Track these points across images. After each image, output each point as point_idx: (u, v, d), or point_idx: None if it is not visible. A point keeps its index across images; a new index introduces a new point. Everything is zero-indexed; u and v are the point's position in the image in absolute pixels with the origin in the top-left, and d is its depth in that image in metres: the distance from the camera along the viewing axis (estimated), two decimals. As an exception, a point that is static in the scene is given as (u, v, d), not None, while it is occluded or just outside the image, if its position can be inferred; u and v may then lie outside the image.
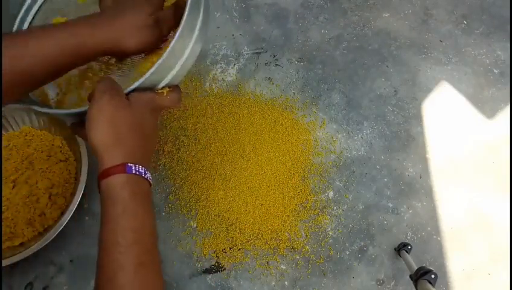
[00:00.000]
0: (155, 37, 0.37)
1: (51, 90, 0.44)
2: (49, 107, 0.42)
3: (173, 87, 0.39)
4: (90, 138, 0.33)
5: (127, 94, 0.36)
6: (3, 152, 0.59)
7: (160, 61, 0.35)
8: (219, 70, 0.72)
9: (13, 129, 0.62)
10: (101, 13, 0.37)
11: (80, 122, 0.38)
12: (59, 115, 0.39)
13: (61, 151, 0.61)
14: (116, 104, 0.34)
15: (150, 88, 0.37)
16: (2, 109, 0.60)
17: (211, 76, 0.71)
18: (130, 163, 0.33)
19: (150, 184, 0.35)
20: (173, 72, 0.38)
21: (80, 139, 0.59)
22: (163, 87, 0.39)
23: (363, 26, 0.77)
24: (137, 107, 0.35)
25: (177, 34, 0.35)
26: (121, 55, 0.41)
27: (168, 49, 0.35)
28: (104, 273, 0.31)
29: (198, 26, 0.38)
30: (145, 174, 0.34)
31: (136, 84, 0.36)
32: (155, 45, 0.39)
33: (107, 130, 0.33)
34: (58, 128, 0.62)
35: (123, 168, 0.32)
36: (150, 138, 0.37)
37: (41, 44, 0.33)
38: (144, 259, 0.31)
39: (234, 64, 0.73)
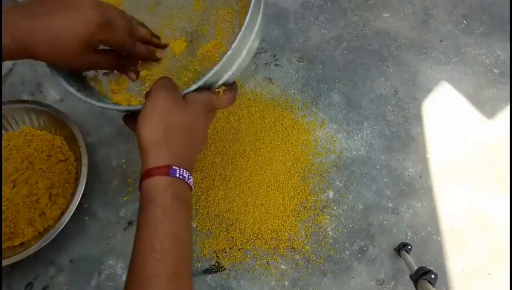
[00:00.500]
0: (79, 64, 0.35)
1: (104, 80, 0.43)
2: (105, 99, 0.41)
3: (229, 85, 0.38)
4: (139, 133, 0.32)
5: (184, 95, 0.35)
6: (3, 152, 0.59)
7: (220, 63, 0.34)
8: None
9: (13, 129, 0.62)
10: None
11: (132, 115, 0.37)
12: (115, 110, 0.38)
13: (61, 151, 0.61)
14: (172, 102, 0.33)
15: (207, 88, 0.36)
16: (2, 109, 0.60)
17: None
18: (175, 166, 0.32)
19: (191, 189, 0.34)
20: (231, 72, 0.37)
21: (80, 139, 0.59)
22: (219, 86, 0.37)
23: (363, 26, 0.77)
24: (193, 108, 0.34)
25: (240, 34, 0.34)
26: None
27: (229, 51, 0.34)
28: (136, 279, 0.29)
29: (257, 25, 0.37)
30: (188, 179, 0.33)
31: (194, 86, 0.35)
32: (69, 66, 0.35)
33: (157, 127, 0.32)
34: (58, 128, 0.62)
35: (167, 170, 0.31)
36: (199, 141, 0.36)
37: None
38: (178, 269, 0.30)
39: (234, 64, 0.73)
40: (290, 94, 0.70)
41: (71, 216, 0.54)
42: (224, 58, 0.34)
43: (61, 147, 0.62)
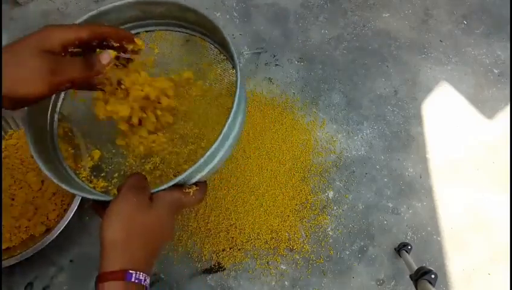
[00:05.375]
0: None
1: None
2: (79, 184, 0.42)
3: (200, 184, 0.39)
4: (102, 231, 0.33)
5: (153, 193, 0.35)
6: (9, 149, 0.59)
7: (192, 167, 0.34)
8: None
9: (12, 128, 0.62)
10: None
11: (102, 203, 0.37)
12: (84, 196, 0.38)
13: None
14: (137, 205, 0.34)
15: (178, 185, 0.36)
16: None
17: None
18: (132, 269, 0.32)
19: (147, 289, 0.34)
20: (203, 173, 0.37)
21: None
22: (190, 185, 0.38)
23: (363, 26, 0.77)
24: (158, 209, 0.35)
25: (214, 145, 0.34)
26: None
27: (205, 156, 0.34)
28: None
29: (234, 135, 0.38)
30: (144, 281, 0.33)
31: (164, 186, 0.35)
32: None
33: (119, 230, 0.33)
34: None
35: (123, 275, 0.32)
36: (161, 240, 0.36)
37: None
38: None
39: (234, 64, 0.73)
40: (290, 94, 0.70)
41: (71, 216, 0.54)
42: (201, 161, 0.34)
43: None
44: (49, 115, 0.44)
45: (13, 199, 0.57)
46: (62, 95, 0.46)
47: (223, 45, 0.42)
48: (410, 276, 0.51)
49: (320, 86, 0.71)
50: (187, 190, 0.37)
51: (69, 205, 0.55)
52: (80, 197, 0.55)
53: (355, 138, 0.67)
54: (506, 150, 0.67)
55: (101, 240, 0.33)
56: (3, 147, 0.60)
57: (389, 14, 0.78)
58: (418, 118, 0.69)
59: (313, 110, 0.69)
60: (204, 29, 0.43)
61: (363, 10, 0.79)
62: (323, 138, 0.67)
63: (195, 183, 0.38)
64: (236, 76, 0.36)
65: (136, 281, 0.32)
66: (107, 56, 0.36)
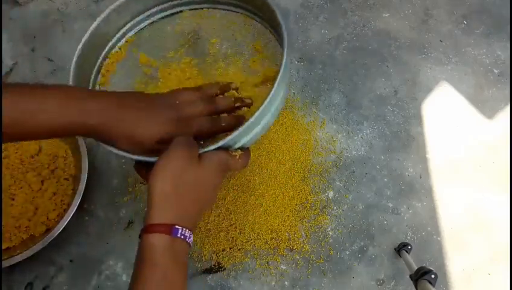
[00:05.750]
0: (142, 153, 0.37)
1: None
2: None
3: (245, 150, 0.39)
4: (151, 185, 0.33)
5: (201, 154, 0.36)
6: (11, 148, 0.60)
7: (241, 128, 0.35)
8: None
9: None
10: (121, 108, 0.36)
11: (145, 164, 0.38)
12: (127, 157, 0.38)
13: (65, 153, 0.61)
14: (186, 160, 0.34)
15: (224, 148, 0.37)
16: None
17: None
18: (178, 225, 0.33)
19: (191, 246, 0.35)
20: (248, 137, 0.38)
21: (80, 139, 0.59)
22: (236, 149, 0.38)
23: (363, 26, 0.77)
24: (206, 168, 0.35)
25: (263, 105, 0.35)
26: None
27: (254, 116, 0.35)
28: None
29: (279, 99, 0.39)
30: (189, 238, 0.34)
31: (212, 147, 0.36)
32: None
33: (169, 182, 0.33)
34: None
35: (170, 229, 0.32)
36: (207, 200, 0.37)
37: (56, 109, 0.32)
38: None
39: (234, 64, 0.73)
40: (290, 94, 0.70)
41: (71, 216, 0.54)
42: (245, 125, 0.35)
43: (62, 147, 0.62)
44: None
45: (13, 199, 0.57)
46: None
47: (267, 18, 0.45)
48: (410, 276, 0.51)
49: (320, 86, 0.71)
50: (233, 153, 0.37)
51: (69, 204, 0.55)
52: (80, 197, 0.55)
53: (355, 138, 0.67)
54: (506, 150, 0.67)
55: (150, 191, 0.33)
56: (3, 147, 0.60)
57: (389, 14, 0.78)
58: (418, 118, 0.69)
59: (313, 110, 0.69)
60: (247, 4, 0.46)
61: (363, 10, 0.79)
62: (323, 138, 0.67)
63: (240, 149, 0.38)
64: (284, 43, 0.38)
65: (182, 237, 0.33)
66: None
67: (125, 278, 0.58)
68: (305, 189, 0.63)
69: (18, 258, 0.51)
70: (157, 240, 0.31)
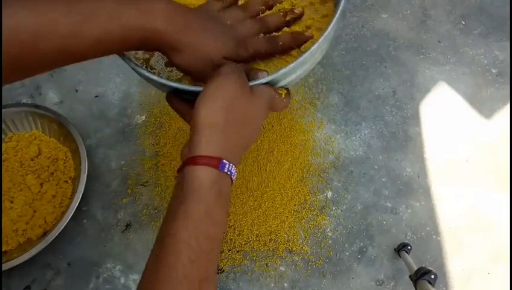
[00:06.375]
0: (204, 75, 0.34)
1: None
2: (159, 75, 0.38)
3: (288, 90, 0.37)
4: (198, 114, 0.30)
5: (251, 86, 0.33)
6: (10, 152, 0.60)
7: (293, 63, 0.33)
8: None
9: (12, 132, 0.62)
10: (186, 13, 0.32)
11: (179, 95, 0.35)
12: (171, 87, 0.35)
13: (64, 155, 0.61)
14: (239, 89, 0.31)
15: (270, 84, 0.35)
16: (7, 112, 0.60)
17: None
18: (226, 159, 0.30)
19: (232, 183, 0.32)
20: (297, 73, 0.36)
21: (79, 141, 0.59)
22: (281, 88, 0.36)
23: (362, 27, 0.77)
24: (257, 101, 0.33)
25: (321, 39, 0.34)
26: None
27: (310, 50, 0.33)
28: (164, 280, 0.26)
29: (330, 38, 0.37)
30: (234, 174, 0.31)
31: (263, 80, 0.33)
32: (195, 77, 0.36)
33: (219, 110, 0.30)
34: (57, 131, 0.62)
35: (217, 163, 0.29)
36: (252, 136, 0.34)
37: (112, 9, 0.27)
38: (209, 273, 0.28)
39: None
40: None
41: (69, 219, 0.54)
42: (297, 61, 0.33)
43: (61, 147, 0.62)
44: None
45: (12, 202, 0.57)
46: None
47: None
48: (410, 276, 0.51)
49: (318, 86, 0.71)
50: (280, 91, 0.36)
51: (67, 207, 0.55)
52: (79, 199, 0.55)
53: (354, 138, 0.67)
54: (505, 150, 0.67)
55: (197, 120, 0.30)
56: (3, 149, 0.60)
57: (387, 15, 0.78)
58: (416, 118, 0.69)
59: (312, 110, 0.69)
60: None
61: (361, 11, 0.79)
62: (321, 138, 0.67)
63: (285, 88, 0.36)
64: None
65: (228, 172, 0.30)
66: (263, 76, 0.36)
67: (123, 281, 0.58)
68: (304, 189, 0.62)
69: (15, 262, 0.51)
70: (204, 173, 0.28)
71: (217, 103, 0.30)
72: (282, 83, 0.36)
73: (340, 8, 0.35)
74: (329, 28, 0.34)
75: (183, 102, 0.35)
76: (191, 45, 0.31)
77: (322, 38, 0.34)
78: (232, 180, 0.31)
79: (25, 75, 0.29)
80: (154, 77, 0.34)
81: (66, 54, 0.28)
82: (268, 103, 0.34)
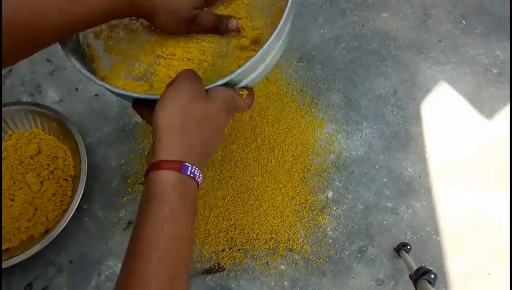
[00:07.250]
0: (183, 29, 0.38)
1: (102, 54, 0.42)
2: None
3: (250, 90, 0.38)
4: (157, 118, 0.31)
5: (207, 89, 0.34)
6: (9, 150, 0.60)
7: (248, 63, 0.33)
8: None
9: (12, 130, 0.62)
10: None
11: (143, 103, 0.36)
12: (127, 97, 0.36)
13: (64, 154, 0.61)
14: (194, 93, 0.32)
15: (230, 85, 0.35)
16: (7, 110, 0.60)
17: None
18: (188, 162, 0.31)
19: (199, 186, 0.33)
20: (257, 72, 0.36)
21: (79, 139, 0.59)
22: (242, 88, 0.37)
23: (362, 27, 0.77)
24: (214, 103, 0.33)
25: (274, 34, 0.34)
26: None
27: (264, 48, 0.34)
28: (135, 279, 0.28)
29: (285, 34, 0.38)
30: (198, 177, 0.32)
31: (220, 82, 0.34)
32: (175, 33, 0.40)
33: (177, 114, 0.31)
34: (57, 129, 0.62)
35: (179, 166, 0.30)
36: (214, 138, 0.35)
37: None
38: (178, 270, 0.29)
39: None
40: (289, 94, 0.70)
41: (70, 217, 0.54)
42: (252, 60, 0.34)
43: (61, 147, 0.62)
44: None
45: (12, 200, 0.57)
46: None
47: None
48: (410, 276, 0.51)
49: (319, 86, 0.71)
50: (241, 92, 0.36)
51: (69, 205, 0.55)
52: (79, 198, 0.55)
53: (355, 138, 0.67)
54: (506, 150, 0.67)
55: (156, 125, 0.31)
56: (2, 147, 0.60)
57: (388, 14, 0.78)
58: (417, 118, 0.69)
59: (312, 110, 0.69)
60: None
61: (362, 10, 0.79)
62: (322, 138, 0.67)
63: (246, 88, 0.37)
64: None
65: (191, 175, 0.31)
66: (235, 23, 0.39)
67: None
68: (305, 189, 0.63)
69: (17, 259, 0.51)
70: (166, 176, 0.30)
71: (174, 105, 0.31)
72: (243, 83, 0.37)
73: (289, 5, 0.36)
74: (280, 25, 0.35)
75: (150, 109, 0.36)
76: (164, 5, 0.36)
77: (273, 35, 0.34)
78: (197, 182, 0.32)
79: (28, 53, 0.33)
80: (116, 90, 0.35)
81: (64, 28, 0.32)
82: (227, 103, 0.35)
